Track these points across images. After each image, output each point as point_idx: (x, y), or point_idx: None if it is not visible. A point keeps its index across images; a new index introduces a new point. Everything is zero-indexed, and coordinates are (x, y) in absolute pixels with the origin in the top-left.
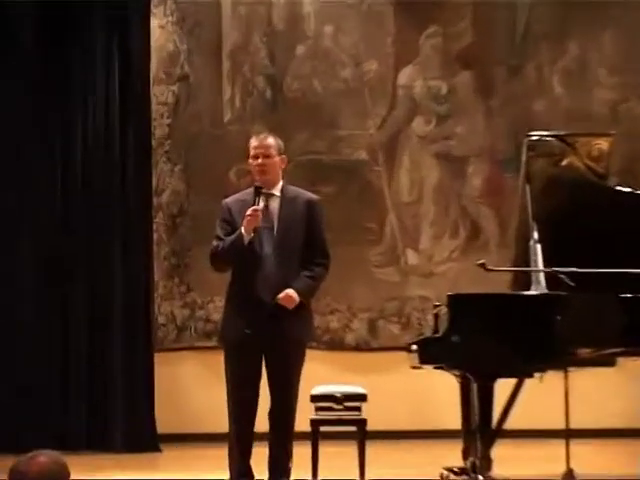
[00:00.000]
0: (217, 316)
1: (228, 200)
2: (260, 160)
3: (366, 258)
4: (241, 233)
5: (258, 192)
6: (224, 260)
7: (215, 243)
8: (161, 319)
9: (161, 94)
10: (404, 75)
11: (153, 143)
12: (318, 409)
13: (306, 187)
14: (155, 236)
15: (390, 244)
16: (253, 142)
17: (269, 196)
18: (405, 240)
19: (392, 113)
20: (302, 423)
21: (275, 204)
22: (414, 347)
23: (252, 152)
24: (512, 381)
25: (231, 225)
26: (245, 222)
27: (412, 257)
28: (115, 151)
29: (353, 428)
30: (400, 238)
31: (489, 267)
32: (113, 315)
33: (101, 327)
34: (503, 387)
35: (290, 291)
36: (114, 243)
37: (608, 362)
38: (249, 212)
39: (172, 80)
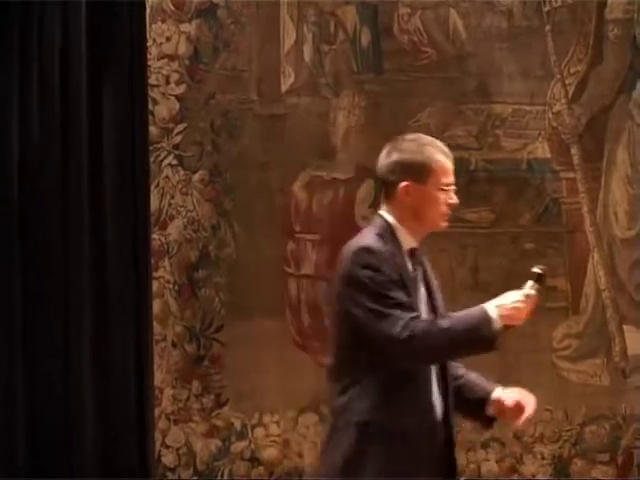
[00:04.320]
0: (272, 452)
1: (379, 246)
2: (454, 195)
3: (546, 343)
4: (493, 326)
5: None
6: (437, 357)
7: (405, 316)
8: (167, 458)
9: (166, 39)
10: None
11: (152, 131)
12: None
13: None
14: (156, 305)
15: (593, 317)
16: (444, 159)
17: None
18: (623, 310)
19: (594, 72)
20: None
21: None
22: None
23: (443, 177)
24: None
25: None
26: (514, 311)
27: (636, 342)
28: (80, 144)
29: None
30: (612, 306)
31: None
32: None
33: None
34: None
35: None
36: (82, 318)
37: None
38: (527, 297)
39: (187, 13)
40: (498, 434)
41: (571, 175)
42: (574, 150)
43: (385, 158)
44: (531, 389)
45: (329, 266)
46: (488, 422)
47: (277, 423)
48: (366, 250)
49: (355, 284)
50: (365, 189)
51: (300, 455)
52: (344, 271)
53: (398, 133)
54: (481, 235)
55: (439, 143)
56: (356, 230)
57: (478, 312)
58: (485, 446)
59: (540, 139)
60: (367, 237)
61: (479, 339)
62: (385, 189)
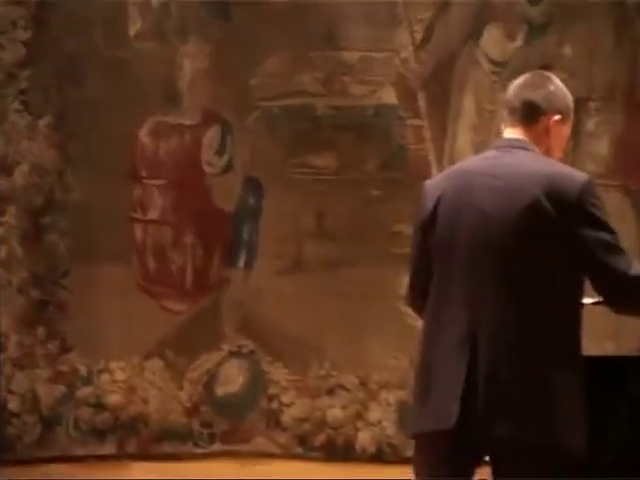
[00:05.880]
0: (117, 398)
1: None
2: None
3: (391, 289)
4: None
5: None
6: None
7: (630, 255)
8: (12, 404)
9: None
10: None
11: None
12: None
13: (283, 157)
14: (1, 250)
15: None
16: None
17: None
18: None
19: (441, 19)
20: None
21: None
22: None
23: (570, 127)
24: None
25: None
26: None
27: None
28: None
29: None
30: None
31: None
32: None
33: None
34: None
35: None
36: None
37: None
38: None
39: None
40: (343, 381)
41: (418, 122)
42: (420, 97)
43: (540, 86)
44: (377, 336)
45: (174, 211)
46: None
47: (122, 369)
48: (592, 182)
49: (593, 215)
50: (211, 135)
51: (145, 401)
52: (567, 200)
53: (244, 80)
54: (327, 181)
55: None
56: (202, 175)
57: None
58: (330, 393)
59: (387, 86)
60: (559, 164)
61: None
62: (528, 114)
